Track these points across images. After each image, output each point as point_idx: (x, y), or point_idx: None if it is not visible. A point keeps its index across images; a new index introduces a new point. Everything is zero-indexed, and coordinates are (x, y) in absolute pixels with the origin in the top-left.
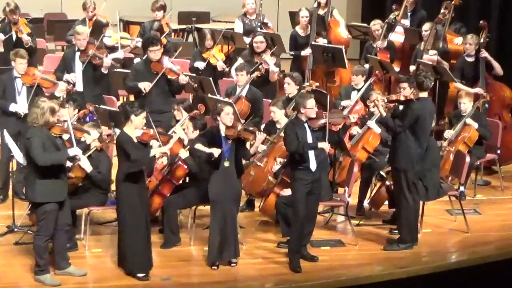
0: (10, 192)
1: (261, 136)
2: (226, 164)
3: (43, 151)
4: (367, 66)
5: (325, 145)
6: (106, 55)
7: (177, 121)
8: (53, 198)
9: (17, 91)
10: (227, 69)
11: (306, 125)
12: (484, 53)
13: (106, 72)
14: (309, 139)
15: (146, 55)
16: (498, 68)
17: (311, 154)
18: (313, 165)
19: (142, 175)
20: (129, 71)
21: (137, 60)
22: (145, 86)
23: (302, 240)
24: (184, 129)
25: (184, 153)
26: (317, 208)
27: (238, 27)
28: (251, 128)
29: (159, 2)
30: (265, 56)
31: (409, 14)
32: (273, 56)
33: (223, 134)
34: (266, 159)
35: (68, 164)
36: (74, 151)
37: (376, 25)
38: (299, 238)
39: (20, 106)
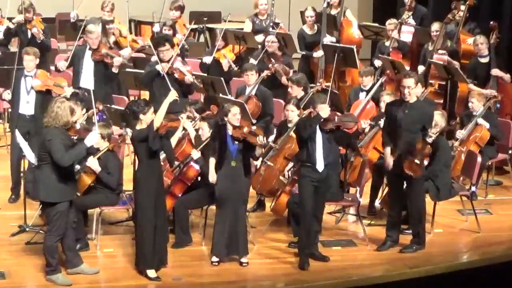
0: (22, 192)
1: (260, 142)
2: (233, 163)
3: (65, 152)
4: (377, 62)
5: (324, 108)
6: (118, 54)
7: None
8: (66, 196)
9: (26, 90)
10: (234, 68)
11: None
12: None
13: (116, 71)
14: (318, 139)
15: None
16: (507, 78)
17: (319, 154)
18: (320, 165)
19: (161, 175)
20: (140, 71)
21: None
22: (163, 66)
23: (310, 237)
24: (198, 129)
25: (196, 154)
26: (322, 208)
27: (248, 28)
28: (256, 132)
29: (178, 2)
30: (278, 66)
31: (410, 12)
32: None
33: (229, 133)
34: (276, 158)
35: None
36: (90, 140)
37: (391, 24)
38: (308, 235)
39: (29, 106)
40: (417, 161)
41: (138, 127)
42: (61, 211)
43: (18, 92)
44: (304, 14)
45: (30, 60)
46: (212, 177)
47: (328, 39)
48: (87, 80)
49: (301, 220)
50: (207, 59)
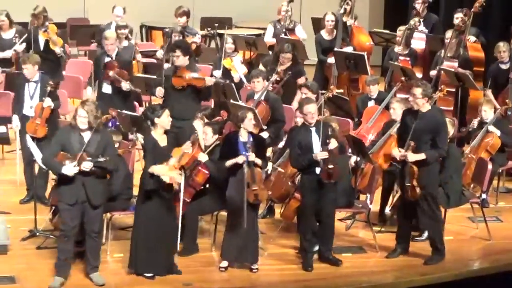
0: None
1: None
2: (245, 170)
3: (50, 154)
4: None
5: (320, 155)
6: (127, 76)
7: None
8: (62, 199)
9: (29, 95)
10: (246, 84)
11: (313, 129)
12: None
13: (128, 91)
14: (315, 146)
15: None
16: None
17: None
18: (318, 169)
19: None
20: (152, 76)
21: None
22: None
23: (311, 240)
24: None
25: (204, 157)
26: (331, 213)
27: (269, 33)
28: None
29: (182, 8)
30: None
31: (421, 19)
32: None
33: (242, 140)
34: (287, 164)
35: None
36: (66, 170)
37: (400, 31)
38: (307, 238)
39: (32, 110)
40: (408, 184)
41: (153, 132)
42: (61, 209)
43: (21, 96)
44: (324, 18)
45: (26, 69)
46: (240, 158)
47: (346, 49)
48: (107, 86)
49: (300, 224)
50: (217, 73)
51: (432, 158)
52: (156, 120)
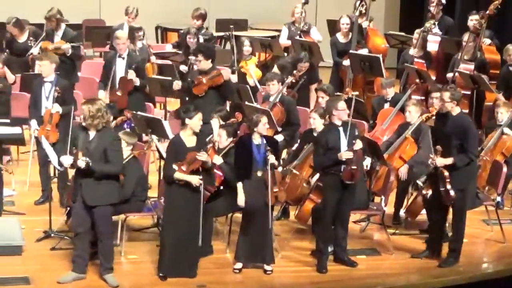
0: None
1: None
2: (259, 173)
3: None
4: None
5: (345, 155)
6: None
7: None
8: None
9: (45, 97)
10: (260, 89)
11: (341, 129)
12: None
13: (137, 84)
14: (343, 145)
15: None
16: None
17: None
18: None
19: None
20: (167, 78)
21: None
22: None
23: (328, 242)
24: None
25: (218, 159)
26: (348, 213)
27: (284, 35)
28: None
29: (199, 10)
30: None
31: (436, 22)
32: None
33: (255, 142)
34: (302, 166)
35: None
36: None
37: (417, 33)
38: (325, 240)
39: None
40: (442, 188)
41: (181, 133)
42: (72, 206)
43: (39, 97)
44: (340, 21)
45: (43, 65)
46: (241, 201)
47: (362, 51)
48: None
49: (319, 226)
50: (233, 78)
51: (461, 162)
52: (187, 120)
